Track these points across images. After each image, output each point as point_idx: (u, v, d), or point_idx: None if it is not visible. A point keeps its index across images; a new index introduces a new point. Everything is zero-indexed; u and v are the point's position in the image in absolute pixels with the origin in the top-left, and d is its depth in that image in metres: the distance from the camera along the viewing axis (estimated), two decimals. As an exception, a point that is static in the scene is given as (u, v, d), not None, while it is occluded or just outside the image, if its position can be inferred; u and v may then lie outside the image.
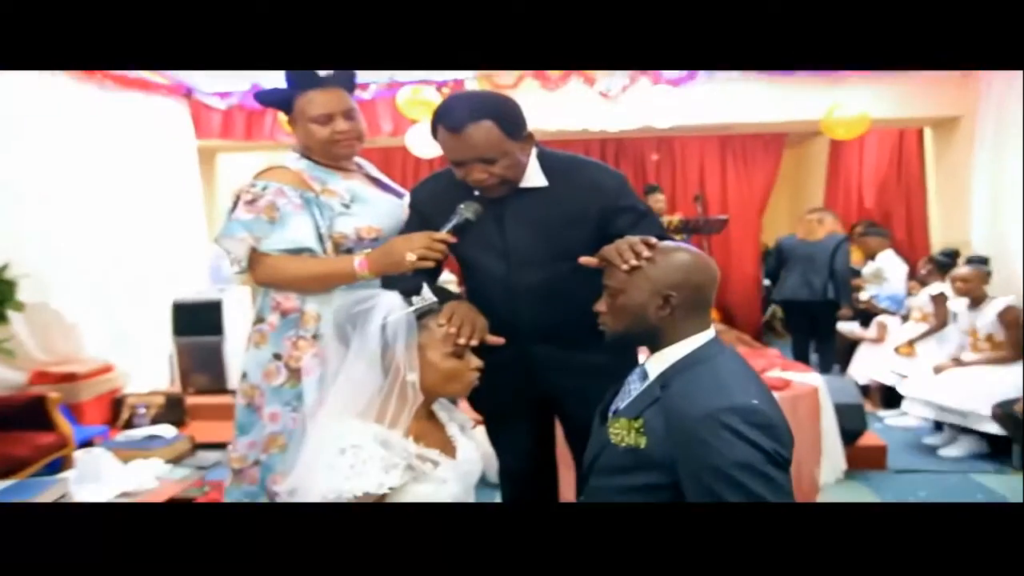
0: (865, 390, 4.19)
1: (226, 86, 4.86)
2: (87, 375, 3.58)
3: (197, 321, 3.97)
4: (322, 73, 1.62)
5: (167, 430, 2.33)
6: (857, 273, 5.00)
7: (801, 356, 4.58)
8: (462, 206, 1.46)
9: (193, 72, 4.69)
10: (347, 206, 1.60)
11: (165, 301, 4.12)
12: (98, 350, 3.82)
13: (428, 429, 1.31)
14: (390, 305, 1.27)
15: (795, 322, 4.88)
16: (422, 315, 1.29)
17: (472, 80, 5.00)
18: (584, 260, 1.30)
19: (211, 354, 3.95)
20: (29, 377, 3.43)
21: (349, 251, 1.60)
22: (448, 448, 1.32)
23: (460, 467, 1.31)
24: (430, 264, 1.46)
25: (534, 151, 1.49)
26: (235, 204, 1.59)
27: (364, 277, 1.53)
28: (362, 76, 4.87)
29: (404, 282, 1.44)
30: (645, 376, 1.24)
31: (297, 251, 1.56)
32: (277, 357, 1.60)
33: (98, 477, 2.02)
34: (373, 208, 1.64)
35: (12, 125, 3.44)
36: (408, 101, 4.48)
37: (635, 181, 6.36)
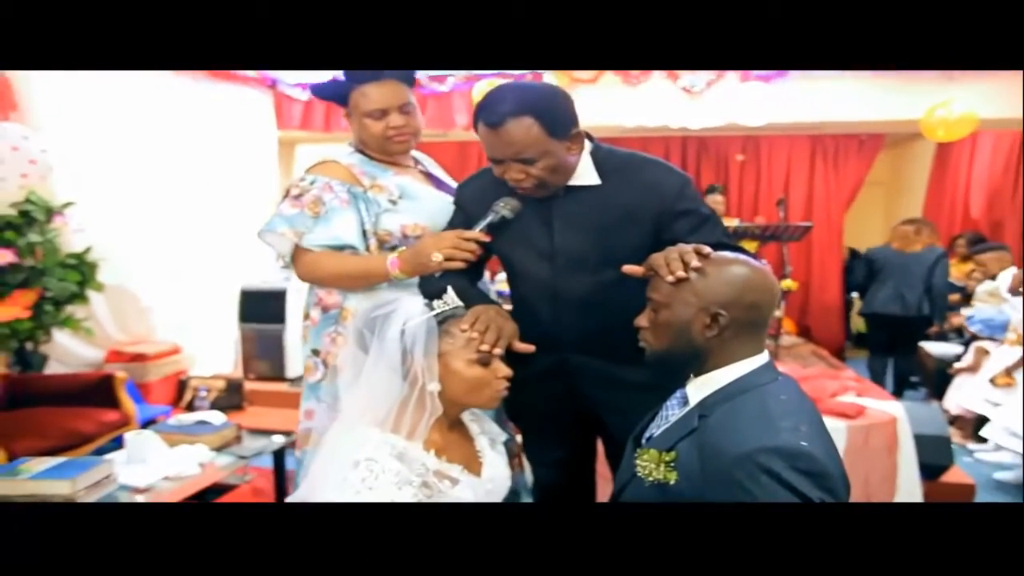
0: (956, 420, 3.84)
1: (308, 78, 4.96)
2: (156, 356, 3.74)
3: (262, 309, 4.06)
4: None
5: (216, 416, 2.37)
6: (957, 289, 4.58)
7: (877, 375, 4.32)
8: (500, 203, 1.37)
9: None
10: (394, 202, 1.56)
11: (235, 288, 4.24)
12: (169, 332, 3.99)
13: (454, 442, 1.24)
14: (411, 310, 1.20)
15: (877, 338, 4.59)
16: (445, 320, 1.22)
17: (550, 73, 4.91)
18: (628, 269, 1.17)
19: (273, 342, 4.03)
20: (105, 355, 3.60)
21: (393, 248, 1.57)
22: (473, 463, 1.24)
23: (483, 485, 1.23)
24: (459, 264, 1.39)
25: (588, 147, 1.37)
26: (284, 197, 1.60)
27: (397, 276, 1.49)
28: (440, 69, 4.96)
29: (436, 283, 1.38)
30: (685, 402, 1.11)
31: (339, 247, 1.54)
32: (316, 353, 1.60)
33: (144, 459, 2.06)
34: (421, 205, 1.59)
35: (104, 112, 3.61)
36: (483, 94, 4.43)
37: (718, 181, 6.09)
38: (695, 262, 1.05)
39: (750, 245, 3.86)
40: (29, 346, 3.11)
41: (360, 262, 1.53)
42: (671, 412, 1.12)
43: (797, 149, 6.05)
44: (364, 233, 1.55)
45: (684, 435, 1.03)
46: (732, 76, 4.68)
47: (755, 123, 4.70)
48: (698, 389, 1.08)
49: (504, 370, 1.23)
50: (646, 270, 1.13)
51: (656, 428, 1.13)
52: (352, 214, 1.54)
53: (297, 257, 1.56)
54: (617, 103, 4.86)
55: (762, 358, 1.07)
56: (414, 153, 1.72)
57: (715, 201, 4.76)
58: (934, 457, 2.72)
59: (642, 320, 1.13)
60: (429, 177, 1.72)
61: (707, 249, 1.09)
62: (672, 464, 1.02)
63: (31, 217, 3.06)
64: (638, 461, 1.07)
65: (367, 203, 1.55)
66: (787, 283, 4.29)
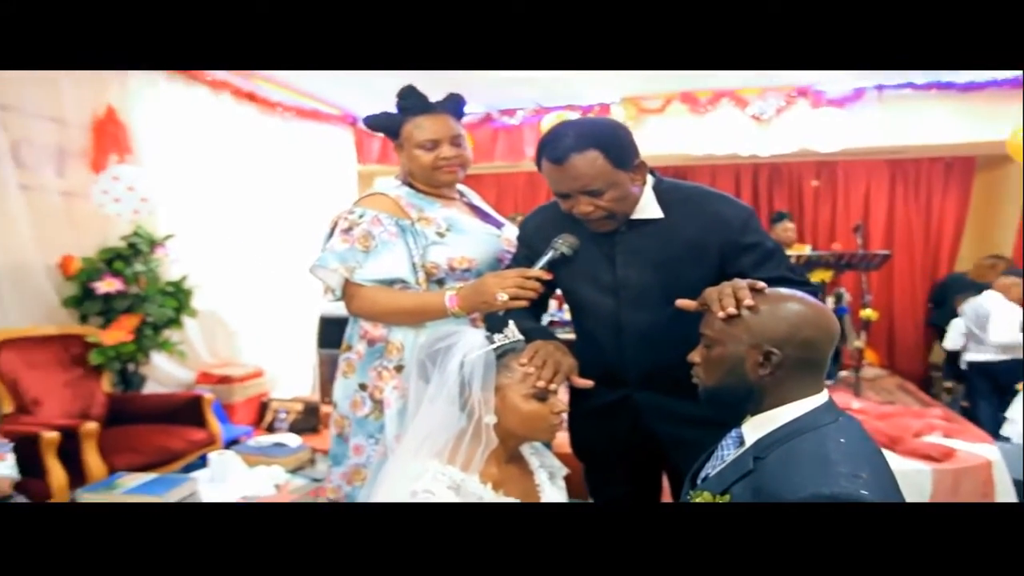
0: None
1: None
2: (241, 378, 3.93)
3: (340, 335, 4.20)
4: (432, 99, 1.61)
5: (292, 439, 2.50)
6: None
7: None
8: (559, 240, 1.39)
9: (355, 101, 5.07)
10: (441, 235, 1.57)
11: (315, 315, 4.44)
12: (253, 356, 4.21)
13: (512, 475, 1.25)
14: (471, 343, 1.23)
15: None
16: (504, 354, 1.23)
17: (617, 105, 4.96)
18: (681, 303, 1.17)
19: (348, 367, 4.14)
20: (196, 377, 3.84)
21: (440, 281, 1.57)
22: (531, 497, 1.25)
23: None
24: (523, 304, 1.39)
25: (650, 180, 1.38)
26: (331, 231, 1.61)
27: (455, 314, 1.49)
28: (509, 102, 5.11)
29: (503, 319, 1.37)
30: (741, 442, 1.09)
31: (390, 282, 1.54)
32: (363, 387, 1.58)
33: (224, 478, 2.19)
34: (468, 238, 1.60)
35: (199, 151, 3.91)
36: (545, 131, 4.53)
37: (790, 209, 5.91)
38: (748, 299, 1.04)
39: (824, 274, 3.74)
40: (130, 367, 3.35)
41: (415, 299, 1.52)
42: (727, 452, 1.10)
43: (876, 174, 5.81)
44: (413, 266, 1.54)
45: (739, 477, 1.01)
46: (803, 102, 4.59)
47: (828, 148, 4.58)
48: (754, 429, 1.05)
49: (560, 405, 1.23)
50: (699, 305, 1.12)
51: (712, 468, 1.11)
52: (402, 247, 1.54)
53: (351, 292, 1.54)
54: (684, 132, 4.85)
55: (820, 398, 1.04)
56: (459, 187, 1.71)
57: (785, 228, 4.62)
58: (1041, 505, 2.52)
59: (695, 356, 1.11)
60: (474, 210, 1.72)
61: (761, 284, 1.07)
62: None
63: (137, 249, 3.35)
64: (691, 503, 1.06)
65: (415, 236, 1.55)
66: (867, 312, 4.12)
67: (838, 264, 3.52)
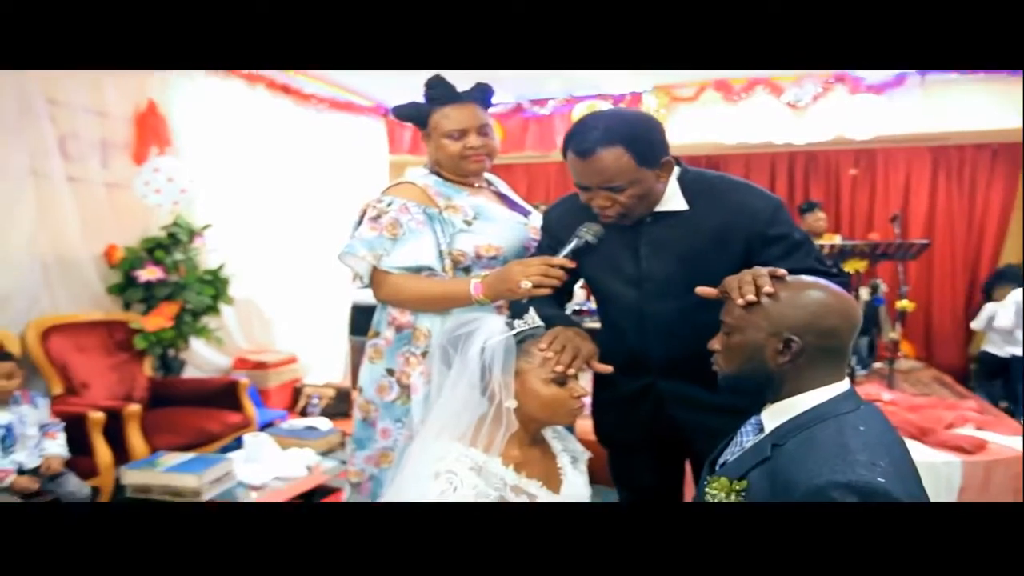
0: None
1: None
2: (276, 364, 4.05)
3: (370, 323, 4.28)
4: (459, 88, 1.61)
5: (323, 423, 2.57)
6: None
7: None
8: (583, 228, 1.39)
9: (387, 92, 5.13)
10: (469, 223, 1.58)
11: (347, 302, 4.52)
12: (287, 343, 4.31)
13: (534, 458, 1.27)
14: (492, 328, 1.24)
15: None
16: (524, 340, 1.25)
17: (649, 93, 4.91)
18: (701, 291, 1.17)
19: (379, 354, 4.21)
20: (232, 362, 3.96)
21: (467, 269, 1.58)
22: (553, 480, 1.27)
23: (560, 501, 1.25)
24: (547, 291, 1.39)
25: (676, 171, 1.37)
26: (360, 219, 1.63)
27: (480, 301, 1.50)
28: (540, 92, 5.10)
29: (526, 307, 1.38)
30: (760, 428, 1.09)
31: (417, 269, 1.56)
32: (390, 373, 1.61)
33: (259, 459, 2.26)
34: (495, 226, 1.61)
35: (235, 143, 4.01)
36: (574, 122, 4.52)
37: (827, 198, 5.80)
38: (767, 286, 1.03)
39: (859, 264, 3.66)
40: (171, 352, 3.48)
41: (441, 286, 1.53)
42: (745, 439, 1.11)
43: (916, 162, 5.65)
44: (440, 254, 1.55)
45: (756, 464, 1.01)
46: (841, 89, 4.48)
47: (864, 136, 4.46)
48: (773, 416, 1.05)
49: (580, 390, 1.24)
50: (720, 292, 1.12)
51: (730, 455, 1.11)
52: (429, 235, 1.55)
53: (378, 279, 1.56)
54: (718, 120, 4.77)
55: (842, 386, 1.03)
56: (486, 175, 1.72)
57: (816, 218, 4.52)
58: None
59: (715, 343, 1.11)
60: (501, 198, 1.73)
61: (782, 272, 1.07)
62: (743, 494, 1.00)
63: (176, 238, 3.45)
64: (708, 489, 1.05)
65: (442, 224, 1.56)
66: (903, 303, 4.02)
67: (873, 254, 3.43)
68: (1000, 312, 4.26)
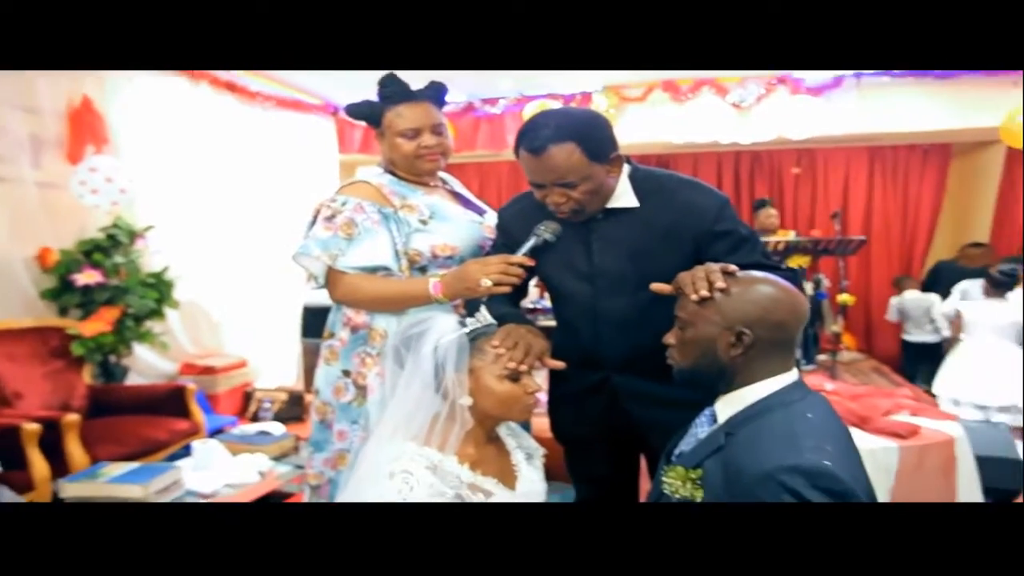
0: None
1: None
2: (225, 368, 3.93)
3: (323, 324, 4.21)
4: (412, 87, 1.60)
5: (275, 427, 2.51)
6: None
7: None
8: (541, 226, 1.41)
9: (337, 90, 5.05)
10: (424, 222, 1.57)
11: (298, 304, 4.44)
12: (237, 346, 4.20)
13: (489, 455, 1.27)
14: (444, 327, 1.24)
15: None
16: (477, 337, 1.25)
17: (599, 93, 4.98)
18: (655, 287, 1.20)
19: (332, 356, 4.15)
20: (179, 368, 3.83)
21: (423, 268, 1.58)
22: (508, 477, 1.27)
23: (516, 499, 1.25)
24: (506, 289, 1.40)
25: (626, 169, 1.40)
26: (314, 219, 1.60)
27: (439, 300, 1.50)
28: (491, 91, 5.11)
29: (494, 307, 1.39)
30: (714, 419, 1.12)
31: (373, 269, 1.54)
32: (346, 374, 1.59)
33: (209, 467, 2.20)
34: (451, 225, 1.60)
35: (179, 141, 3.88)
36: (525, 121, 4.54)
37: (771, 196, 5.99)
38: (720, 282, 1.07)
39: (802, 260, 3.80)
40: (112, 359, 3.34)
41: (400, 286, 1.53)
42: (700, 430, 1.14)
43: (855, 161, 5.90)
44: (396, 253, 1.54)
45: (710, 453, 1.04)
46: (783, 90, 4.63)
47: (802, 136, 4.63)
48: (726, 407, 1.09)
49: (533, 385, 1.25)
50: (674, 288, 1.15)
51: (686, 445, 1.15)
52: (385, 235, 1.54)
53: (334, 279, 1.54)
54: (667, 120, 4.88)
55: (790, 376, 1.07)
56: (441, 174, 1.71)
57: (768, 215, 4.66)
58: (1002, 481, 2.58)
59: (670, 338, 1.15)
60: (456, 197, 1.72)
61: (733, 268, 1.10)
62: (698, 481, 1.03)
63: (116, 240, 3.32)
64: (665, 479, 1.08)
65: (398, 223, 1.55)
66: (844, 297, 4.19)
67: (815, 250, 3.58)
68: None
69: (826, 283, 4.48)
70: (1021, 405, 3.59)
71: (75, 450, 2.52)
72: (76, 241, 3.27)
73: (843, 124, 4.58)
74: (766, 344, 1.05)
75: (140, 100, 3.61)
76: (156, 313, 3.40)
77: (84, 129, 3.26)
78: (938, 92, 4.40)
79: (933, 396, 3.91)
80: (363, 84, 1.72)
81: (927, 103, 4.44)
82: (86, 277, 3.13)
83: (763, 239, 4.12)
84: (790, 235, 4.39)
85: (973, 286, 4.31)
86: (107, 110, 3.39)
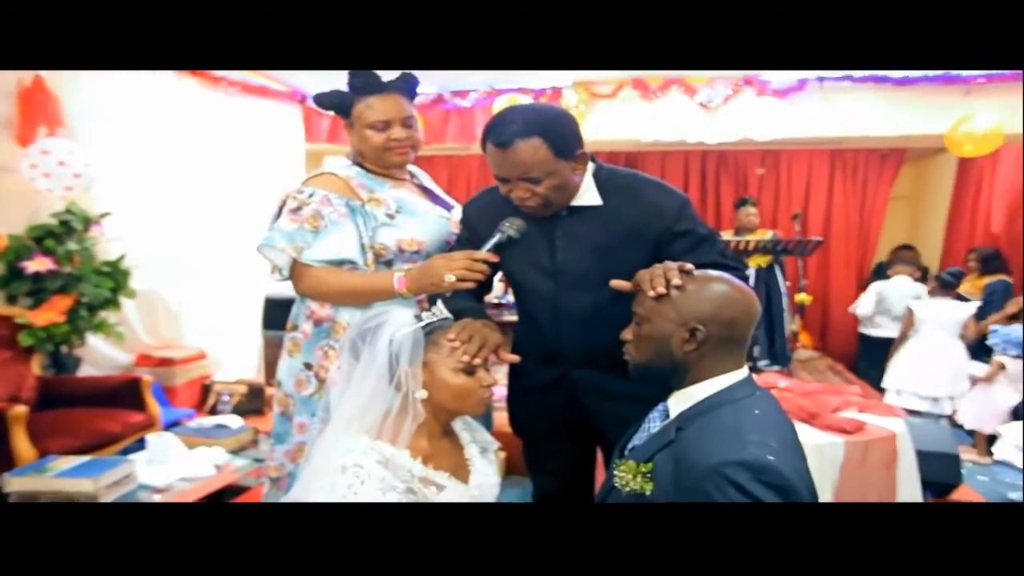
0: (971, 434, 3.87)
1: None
2: (183, 360, 3.85)
3: (285, 316, 4.15)
4: (384, 79, 1.58)
5: (233, 420, 2.47)
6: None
7: None
8: (506, 223, 1.41)
9: (305, 77, 4.96)
10: (391, 217, 1.56)
11: (259, 295, 4.36)
12: (195, 338, 4.12)
13: (443, 449, 1.27)
14: (400, 320, 1.24)
15: None
16: (433, 331, 1.26)
17: (569, 89, 4.99)
18: (615, 284, 1.22)
19: (294, 349, 4.09)
20: (135, 359, 3.74)
21: (389, 263, 1.57)
22: (461, 471, 1.28)
23: (469, 492, 1.26)
24: (471, 285, 1.41)
25: (591, 167, 1.42)
26: (280, 210, 1.58)
27: (404, 295, 1.50)
28: (462, 84, 5.08)
29: (455, 302, 1.39)
30: (666, 415, 1.15)
31: (339, 262, 1.53)
32: (308, 367, 1.58)
33: (164, 460, 2.16)
34: (418, 220, 1.59)
35: (138, 126, 3.77)
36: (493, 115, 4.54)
37: (736, 195, 6.09)
38: (676, 279, 1.09)
39: (762, 259, 3.88)
40: (63, 349, 3.24)
41: (365, 280, 1.52)
42: (652, 424, 1.16)
43: (817, 163, 6.03)
44: (362, 247, 1.54)
45: (661, 447, 1.06)
46: (749, 91, 4.70)
47: (766, 137, 4.71)
48: (678, 402, 1.11)
49: (489, 379, 1.26)
50: (633, 285, 1.17)
51: (638, 439, 1.17)
52: (351, 228, 1.53)
53: (299, 272, 1.53)
54: (636, 118, 4.91)
55: (740, 373, 1.10)
56: (410, 167, 1.70)
57: (747, 214, 4.71)
58: (941, 475, 2.69)
59: (627, 333, 1.17)
60: (424, 191, 1.72)
61: (689, 266, 1.13)
62: (649, 475, 1.05)
63: (70, 227, 3.22)
64: (616, 472, 1.10)
65: (365, 217, 1.54)
66: (802, 296, 4.29)
67: (775, 250, 3.66)
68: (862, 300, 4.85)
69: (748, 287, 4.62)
70: (957, 394, 3.84)
71: (22, 443, 2.44)
72: (27, 226, 3.16)
73: (806, 127, 4.67)
74: (718, 341, 1.08)
75: (98, 82, 3.50)
76: (111, 302, 3.31)
77: (36, 110, 3.15)
78: (895, 97, 4.51)
79: (882, 391, 4.06)
80: (332, 72, 1.70)
81: (886, 108, 4.55)
82: (37, 264, 3.03)
83: (740, 237, 4.22)
84: (768, 235, 4.48)
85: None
86: (62, 91, 3.28)
